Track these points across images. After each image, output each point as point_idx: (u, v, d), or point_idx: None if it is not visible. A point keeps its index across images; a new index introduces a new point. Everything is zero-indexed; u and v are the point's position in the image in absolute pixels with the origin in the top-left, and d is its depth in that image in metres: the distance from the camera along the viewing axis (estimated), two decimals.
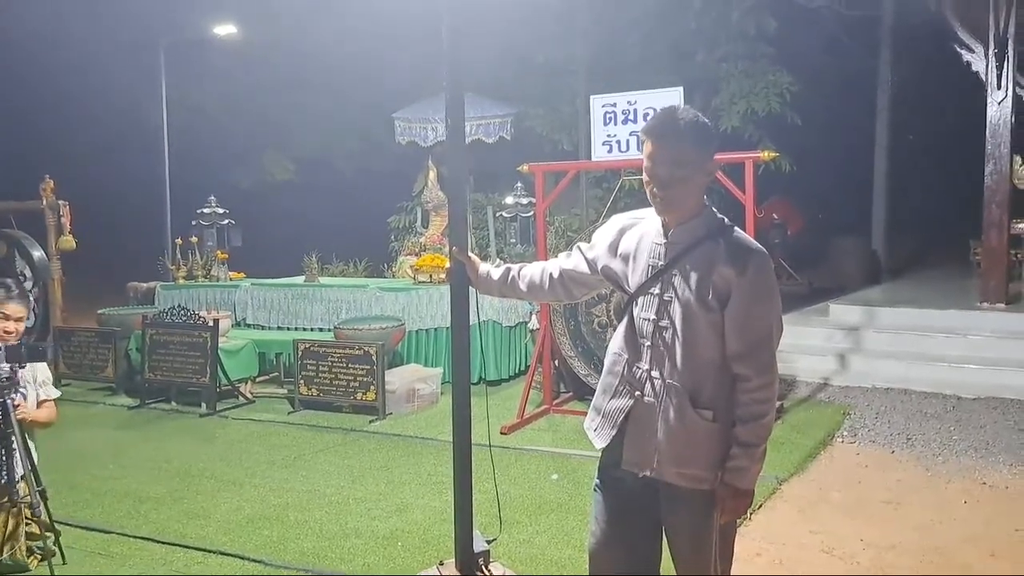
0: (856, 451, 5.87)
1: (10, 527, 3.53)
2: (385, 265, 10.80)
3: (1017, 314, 8.29)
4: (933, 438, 6.03)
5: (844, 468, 5.50)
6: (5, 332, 3.59)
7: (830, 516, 4.65)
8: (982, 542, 4.28)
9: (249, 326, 8.77)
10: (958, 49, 8.76)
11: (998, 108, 8.45)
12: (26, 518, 3.59)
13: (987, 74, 8.48)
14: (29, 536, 3.61)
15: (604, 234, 2.63)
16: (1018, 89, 8.54)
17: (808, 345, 8.30)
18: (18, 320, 3.64)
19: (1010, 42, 8.29)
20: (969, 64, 8.73)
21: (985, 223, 8.65)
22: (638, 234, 2.52)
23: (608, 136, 6.34)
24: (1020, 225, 9.28)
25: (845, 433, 6.24)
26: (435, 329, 8.06)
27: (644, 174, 2.42)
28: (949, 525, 4.51)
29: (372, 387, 6.86)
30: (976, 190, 8.80)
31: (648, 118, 6.00)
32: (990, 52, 8.40)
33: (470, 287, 2.92)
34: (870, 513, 4.69)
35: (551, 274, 2.72)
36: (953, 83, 10.13)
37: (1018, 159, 9.03)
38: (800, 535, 4.38)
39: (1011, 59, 8.34)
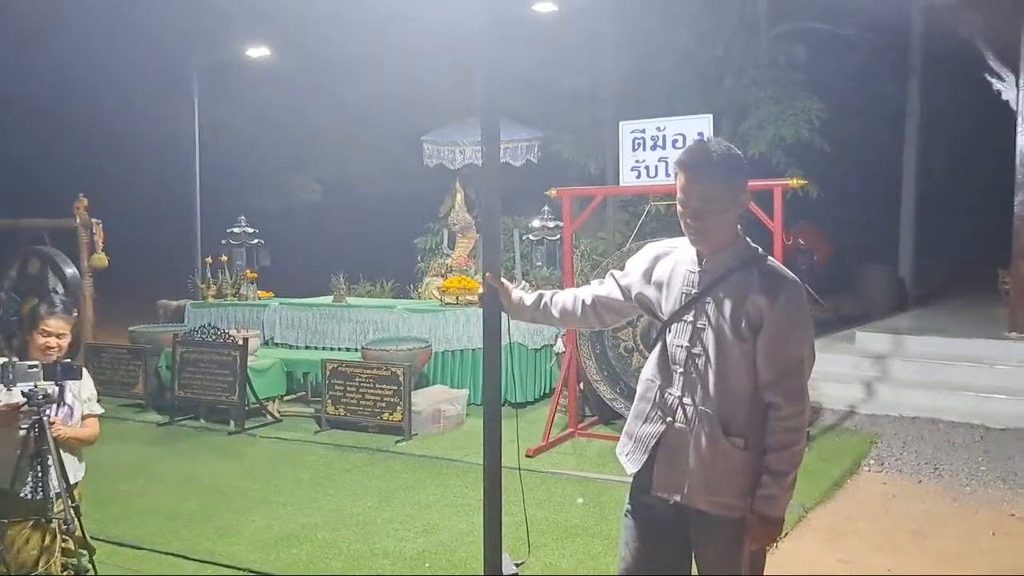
0: (883, 480, 5.82)
1: (45, 543, 3.57)
2: (411, 286, 10.88)
3: None
4: (961, 468, 5.97)
5: (871, 497, 5.46)
6: (47, 347, 3.63)
7: (857, 545, 4.62)
8: (1010, 574, 4.23)
9: (277, 345, 8.86)
10: (988, 78, 8.75)
11: None
12: (61, 534, 3.64)
13: (1018, 103, 8.45)
14: (64, 552, 3.65)
15: (638, 261, 2.67)
16: None
17: (835, 372, 8.25)
18: (60, 336, 3.68)
19: None
20: (999, 92, 8.71)
21: (1014, 252, 8.58)
22: (672, 262, 2.57)
23: (637, 162, 6.38)
24: None
25: (872, 462, 6.19)
26: (461, 351, 8.10)
27: (678, 205, 2.47)
28: (977, 557, 4.46)
29: (399, 407, 6.91)
30: (1005, 219, 8.74)
31: (676, 145, 6.13)
32: (1021, 81, 8.38)
33: (502, 312, 2.96)
34: (897, 543, 4.65)
35: (583, 301, 2.76)
36: (983, 111, 10.08)
37: None
38: (827, 564, 4.36)
39: None
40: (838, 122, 11.37)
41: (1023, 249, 8.50)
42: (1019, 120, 8.45)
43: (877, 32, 11.65)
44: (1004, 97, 8.67)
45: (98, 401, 3.98)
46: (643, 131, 6.36)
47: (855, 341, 8.90)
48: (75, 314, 3.88)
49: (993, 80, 8.71)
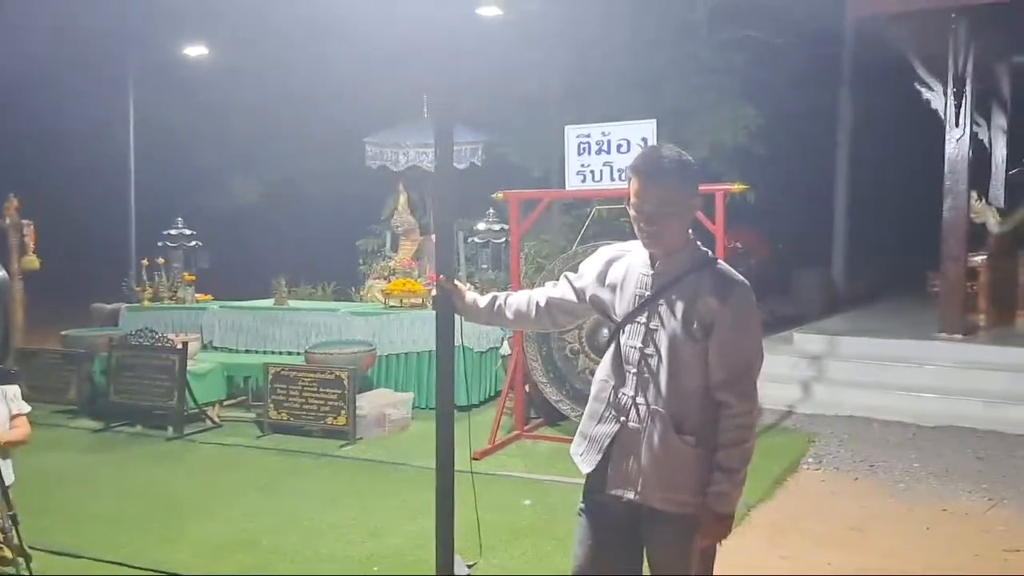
0: (821, 478, 5.99)
1: None
2: (353, 288, 10.78)
3: (974, 345, 8.53)
4: (895, 466, 6.17)
5: (811, 495, 5.61)
6: None
7: (798, 542, 4.74)
8: (945, 567, 4.39)
9: (216, 349, 8.68)
10: (918, 87, 9.06)
11: (956, 145, 8.73)
12: None
13: (946, 112, 8.76)
14: (1, 561, 3.54)
15: (592, 264, 2.70)
16: (975, 127, 8.83)
17: (773, 373, 8.42)
18: None
19: (968, 81, 8.59)
20: (928, 101, 9.03)
21: (943, 256, 8.90)
22: (625, 265, 2.61)
23: (582, 166, 6.44)
24: (976, 258, 9.56)
25: (811, 460, 6.36)
26: (406, 354, 8.05)
27: (631, 209, 2.50)
28: (913, 551, 4.62)
29: (343, 411, 6.83)
30: (933, 223, 9.06)
31: (621, 150, 6.22)
32: (949, 90, 8.69)
33: (455, 314, 2.96)
34: (837, 539, 4.79)
35: (537, 303, 2.78)
36: (912, 119, 10.45)
37: (975, 194, 9.33)
38: (770, 561, 4.47)
39: (969, 98, 8.63)
40: (774, 128, 11.67)
41: (951, 253, 8.82)
42: (947, 128, 8.77)
43: (811, 41, 12.01)
44: (933, 106, 8.99)
45: (31, 408, 3.86)
46: (588, 136, 6.43)
47: (792, 342, 9.13)
48: None
49: (922, 89, 9.02)
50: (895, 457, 6.37)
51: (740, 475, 2.45)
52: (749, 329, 2.47)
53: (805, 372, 8.46)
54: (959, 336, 8.69)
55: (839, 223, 14.27)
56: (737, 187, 6.32)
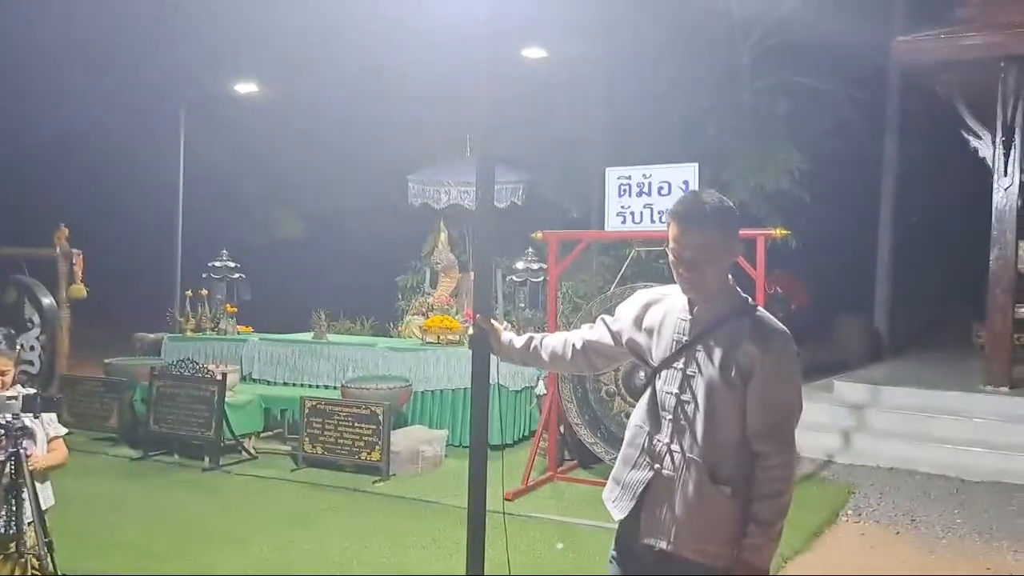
0: (861, 531, 5.83)
1: None
2: (391, 324, 10.86)
3: (1021, 398, 8.30)
4: (937, 520, 6.00)
5: (849, 548, 5.47)
6: None
7: None
8: None
9: (255, 381, 8.78)
10: (965, 135, 8.95)
11: (1004, 194, 8.60)
12: (32, 569, 3.57)
13: (994, 160, 8.64)
14: None
15: (629, 308, 2.69)
16: (1023, 176, 8.69)
17: (812, 421, 8.27)
18: (3, 373, 3.58)
19: (1017, 130, 8.48)
20: (976, 150, 8.91)
21: (989, 307, 8.72)
22: (663, 309, 2.59)
23: (622, 207, 6.45)
24: (1023, 310, 9.33)
25: (850, 512, 6.21)
26: (441, 391, 8.06)
27: (670, 255, 2.49)
28: None
29: (377, 447, 6.84)
30: (979, 273, 8.89)
31: (662, 192, 6.22)
32: (997, 139, 8.57)
33: (491, 354, 2.97)
34: None
35: (573, 345, 2.78)
36: (959, 167, 10.32)
37: (1023, 245, 9.14)
38: None
39: (1018, 147, 8.51)
40: (818, 173, 11.60)
41: (998, 303, 8.63)
42: (995, 177, 8.65)
43: (857, 87, 11.97)
44: (981, 154, 8.87)
45: (71, 434, 3.94)
46: (629, 178, 6.45)
47: (833, 390, 8.96)
48: (18, 350, 3.82)
49: (970, 137, 8.92)
50: (937, 511, 6.19)
51: (776, 528, 2.39)
52: (789, 378, 2.43)
53: (845, 421, 8.29)
54: (1005, 389, 8.46)
55: (882, 270, 14.05)
56: (778, 232, 6.27)
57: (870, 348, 12.71)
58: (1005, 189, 8.60)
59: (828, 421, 8.31)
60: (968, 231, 10.72)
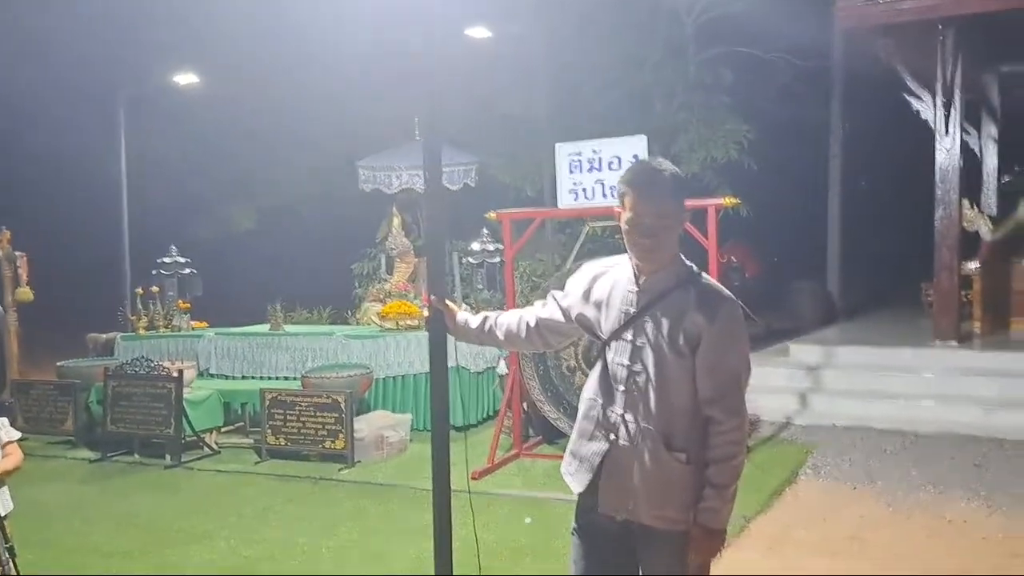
0: (820, 489, 5.98)
1: None
2: (349, 312, 10.79)
3: (969, 351, 8.57)
4: (893, 474, 6.17)
5: (809, 506, 5.61)
6: None
7: (796, 553, 4.73)
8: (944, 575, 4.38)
9: (213, 376, 8.67)
10: (907, 97, 9.13)
11: (947, 154, 8.79)
12: None
13: (935, 122, 8.82)
14: None
15: (577, 282, 2.69)
16: (965, 136, 8.89)
17: (770, 385, 8.45)
18: None
19: (956, 91, 8.66)
20: (918, 112, 9.09)
21: (936, 265, 8.94)
22: (610, 281, 2.60)
23: (574, 184, 6.47)
24: (969, 266, 9.59)
25: (808, 471, 6.36)
26: (402, 376, 8.05)
27: (625, 224, 2.49)
28: (912, 559, 4.62)
29: (341, 435, 6.82)
30: (926, 233, 9.10)
31: (612, 167, 6.25)
32: (938, 101, 8.75)
33: (448, 334, 2.97)
34: (835, 549, 4.78)
35: (528, 323, 2.79)
36: (903, 130, 10.54)
37: (966, 203, 9.38)
38: (768, 572, 4.45)
39: (958, 107, 8.70)
40: (765, 142, 11.75)
41: (944, 262, 8.85)
42: (937, 138, 8.83)
43: (800, 55, 12.11)
44: (923, 116, 9.06)
45: (26, 439, 3.88)
46: (579, 153, 6.45)
47: (789, 354, 9.14)
48: None
49: (912, 100, 9.09)
50: (893, 466, 6.38)
51: (730, 491, 2.44)
52: (736, 344, 2.47)
53: (802, 383, 8.47)
54: (954, 344, 8.72)
55: (832, 235, 14.34)
56: (729, 201, 6.35)
57: (823, 312, 12.98)
58: (947, 149, 8.80)
59: (785, 384, 8.48)
60: (915, 192, 10.97)
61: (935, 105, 8.81)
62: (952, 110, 8.71)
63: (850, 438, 7.23)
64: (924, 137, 9.18)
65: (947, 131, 8.76)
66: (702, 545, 2.46)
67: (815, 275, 14.15)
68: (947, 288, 8.90)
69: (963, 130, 8.99)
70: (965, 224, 9.27)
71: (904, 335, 9.66)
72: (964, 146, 8.98)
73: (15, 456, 3.73)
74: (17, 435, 3.80)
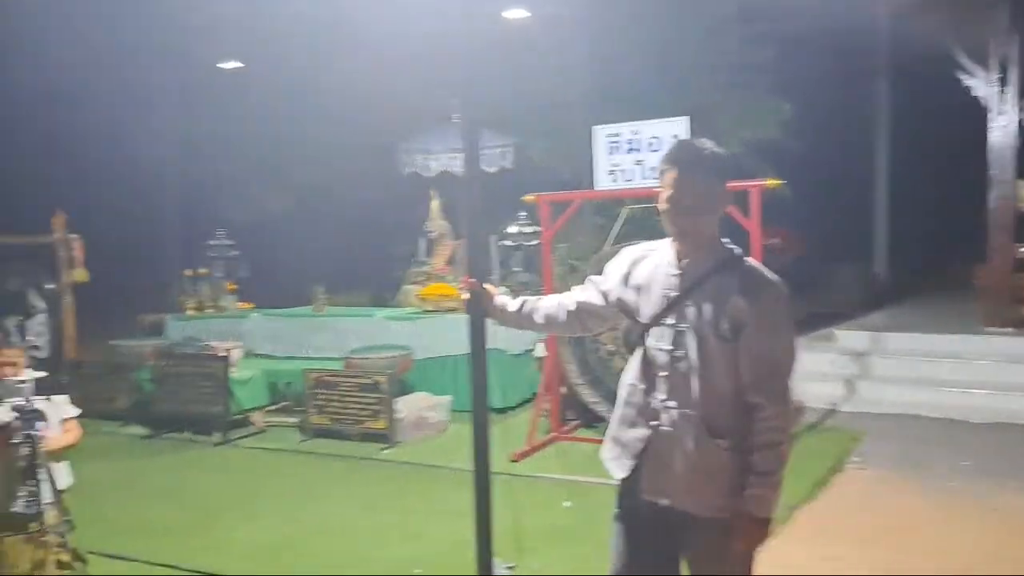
0: (867, 477, 5.89)
1: (39, 557, 3.57)
2: (390, 294, 10.86)
3: (1022, 338, 8.33)
4: (943, 463, 6.06)
5: (855, 494, 5.53)
6: (2, 376, 3.64)
7: (842, 542, 4.67)
8: (994, 566, 4.30)
9: (258, 356, 8.82)
10: (959, 74, 8.86)
11: (1002, 132, 8.53)
12: (53, 548, 3.64)
13: (989, 99, 8.57)
14: (57, 566, 3.66)
15: (616, 266, 2.67)
16: (1020, 114, 8.61)
17: (815, 371, 8.34)
18: (13, 364, 3.66)
19: (1013, 67, 8.39)
20: (970, 89, 8.82)
21: (989, 247, 8.71)
22: (651, 265, 2.57)
23: (612, 165, 6.41)
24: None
25: (855, 459, 6.26)
26: (442, 357, 8.10)
27: (663, 203, 2.47)
28: (961, 550, 4.53)
29: (382, 415, 6.90)
30: (979, 214, 8.85)
31: (652, 148, 6.18)
32: (992, 77, 8.49)
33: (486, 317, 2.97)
34: (882, 539, 4.71)
35: (567, 307, 2.77)
36: (954, 108, 10.22)
37: (1022, 183, 9.10)
38: (813, 562, 4.41)
39: (1014, 83, 8.43)
40: (808, 122, 11.49)
41: (998, 245, 8.62)
42: (991, 116, 8.57)
43: (845, 33, 11.79)
44: (975, 94, 8.79)
45: (80, 416, 4.01)
46: (618, 135, 6.39)
47: (834, 339, 9.00)
48: (26, 341, 3.92)
49: (964, 77, 8.82)
50: (942, 455, 6.25)
51: (776, 478, 2.40)
52: (780, 329, 2.42)
53: (848, 369, 8.34)
54: (1008, 330, 8.49)
55: (879, 217, 14.02)
56: (771, 183, 6.24)
57: (870, 295, 12.72)
58: (1002, 127, 8.55)
59: (830, 370, 8.36)
60: (965, 171, 10.65)
61: (989, 82, 8.54)
62: (1007, 87, 8.44)
63: (898, 426, 7.11)
64: (976, 115, 8.91)
65: (1001, 109, 8.50)
66: (747, 534, 2.42)
67: (861, 258, 13.86)
68: (1000, 272, 8.68)
69: (1019, 108, 8.70)
70: (1020, 205, 9.00)
71: (954, 320, 9.43)
72: (1019, 125, 8.70)
73: (74, 432, 3.89)
74: (76, 412, 3.94)
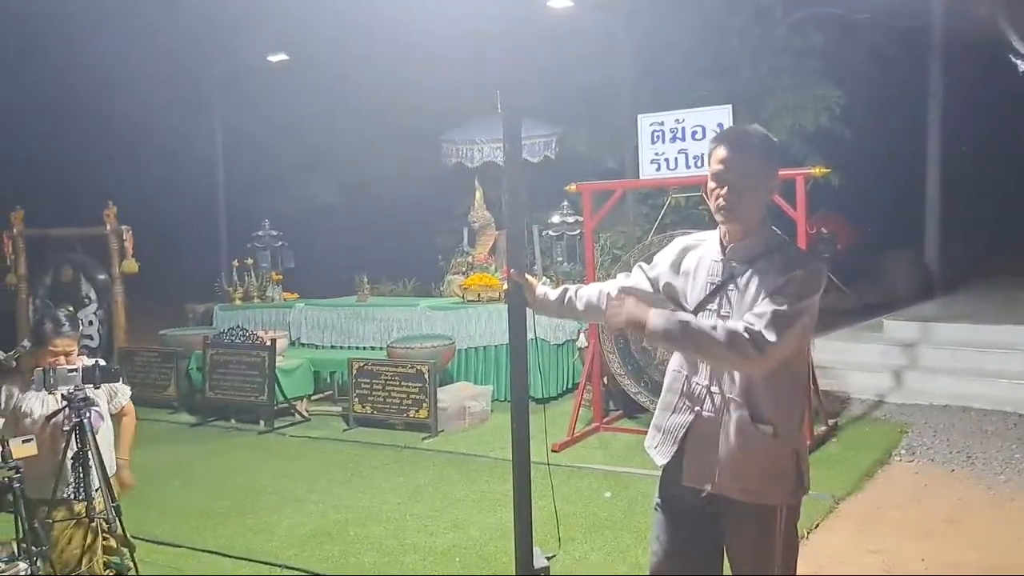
0: (915, 469, 5.79)
1: (88, 541, 3.66)
2: (433, 284, 10.94)
3: None
4: (994, 456, 5.92)
5: (903, 487, 5.43)
6: (55, 364, 3.65)
7: (889, 535, 4.60)
8: None
9: (303, 345, 8.96)
10: (1013, 58, 8.61)
11: None
12: (103, 533, 3.73)
13: None
14: (106, 551, 3.75)
15: (667, 253, 2.69)
16: None
17: (862, 361, 8.19)
18: (67, 353, 3.71)
19: None
20: None
21: None
22: (699, 254, 2.59)
23: (656, 154, 6.36)
24: None
25: (903, 451, 6.15)
26: (484, 347, 8.14)
27: (711, 181, 2.47)
28: (1011, 544, 4.43)
29: (424, 405, 6.96)
30: None
31: (696, 137, 6.14)
32: None
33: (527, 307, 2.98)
34: (930, 532, 4.63)
35: (608, 294, 2.76)
36: (1008, 92, 9.93)
37: None
38: (859, 555, 4.35)
39: None
40: (858, 108, 11.26)
41: None
42: None
43: (895, 16, 11.51)
44: None
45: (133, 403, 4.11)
46: (662, 124, 6.34)
47: (883, 329, 8.82)
48: (80, 330, 3.97)
49: (1018, 61, 8.57)
50: (994, 447, 6.11)
51: (673, 333, 2.34)
52: (805, 285, 2.34)
53: (897, 360, 8.17)
54: None
55: (931, 204, 13.66)
56: (818, 171, 6.13)
57: (921, 285, 12.44)
58: None
59: (878, 360, 8.21)
60: (1021, 159, 10.35)
61: None
62: None
63: (948, 418, 6.96)
64: None
65: None
66: (622, 310, 2.42)
67: (912, 246, 13.54)
68: None
69: None
70: None
71: (1007, 310, 9.19)
72: None
73: (131, 417, 3.99)
74: (128, 391, 4.05)
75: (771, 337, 2.28)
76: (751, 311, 2.35)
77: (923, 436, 6.47)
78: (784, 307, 2.31)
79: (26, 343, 3.94)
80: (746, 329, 2.29)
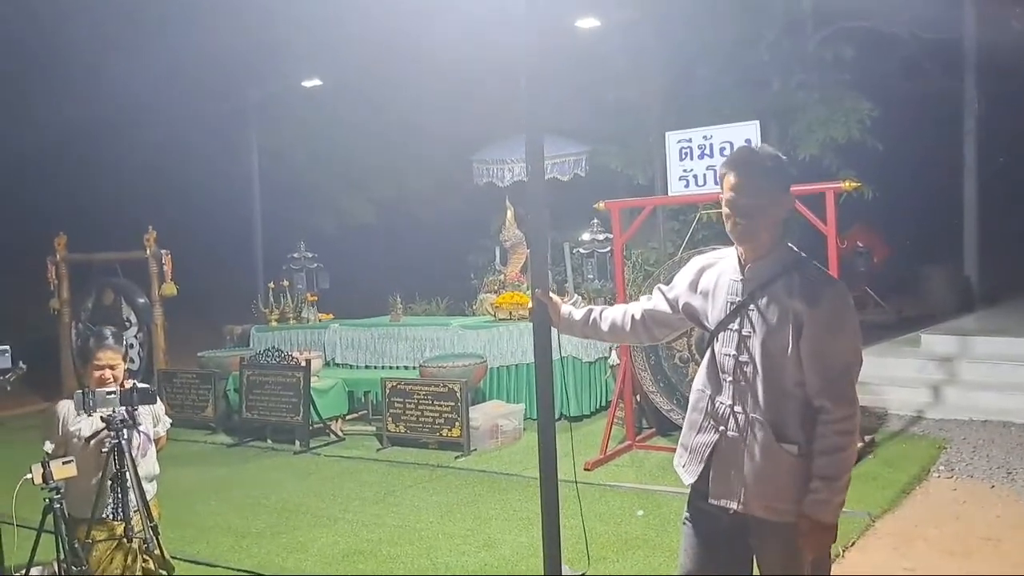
0: (953, 486, 5.69)
1: (127, 562, 3.73)
2: (466, 303, 11.01)
3: None
4: None
5: (941, 504, 5.34)
6: (102, 379, 3.73)
7: (927, 553, 4.52)
8: None
9: (338, 365, 9.06)
10: None
11: None
12: (142, 553, 3.80)
13: None
14: (144, 571, 3.80)
15: (684, 274, 2.71)
16: None
17: (899, 377, 8.07)
18: (112, 367, 3.76)
19: None
20: None
21: None
22: (717, 272, 2.60)
23: (684, 171, 6.38)
24: None
25: (941, 468, 6.05)
26: (516, 365, 8.17)
27: (724, 207, 2.50)
28: None
29: (457, 423, 7.00)
30: None
31: (724, 153, 6.14)
32: None
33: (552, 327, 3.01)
34: (969, 550, 4.55)
35: (633, 315, 2.80)
36: None
37: None
38: (894, 572, 4.28)
39: None
40: (891, 120, 11.16)
41: None
42: None
43: (925, 27, 11.42)
44: None
45: (171, 425, 4.17)
46: (690, 140, 6.36)
47: (920, 344, 8.69)
48: (124, 346, 4.01)
49: None
50: None
51: (840, 483, 2.38)
52: (842, 330, 2.39)
53: (934, 375, 8.05)
54: None
55: (969, 216, 13.45)
56: (848, 184, 6.09)
57: (959, 298, 12.23)
58: None
59: (915, 375, 8.09)
60: None
61: None
62: None
63: (988, 433, 6.83)
64: None
65: None
66: (811, 539, 2.39)
67: (950, 259, 13.33)
68: None
69: None
70: None
71: None
72: None
73: (162, 443, 4.06)
74: (169, 422, 4.12)
75: (844, 407, 2.36)
76: (816, 393, 2.37)
77: (962, 452, 6.36)
78: (835, 371, 2.36)
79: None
80: (830, 415, 2.36)
